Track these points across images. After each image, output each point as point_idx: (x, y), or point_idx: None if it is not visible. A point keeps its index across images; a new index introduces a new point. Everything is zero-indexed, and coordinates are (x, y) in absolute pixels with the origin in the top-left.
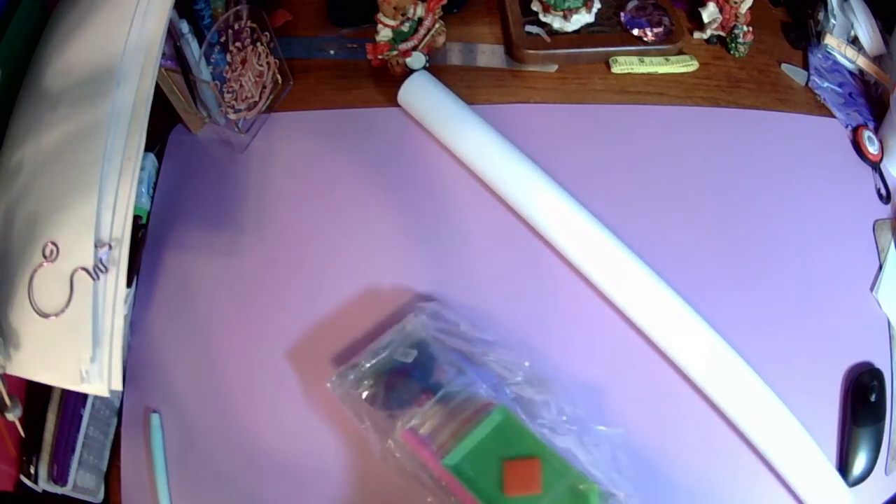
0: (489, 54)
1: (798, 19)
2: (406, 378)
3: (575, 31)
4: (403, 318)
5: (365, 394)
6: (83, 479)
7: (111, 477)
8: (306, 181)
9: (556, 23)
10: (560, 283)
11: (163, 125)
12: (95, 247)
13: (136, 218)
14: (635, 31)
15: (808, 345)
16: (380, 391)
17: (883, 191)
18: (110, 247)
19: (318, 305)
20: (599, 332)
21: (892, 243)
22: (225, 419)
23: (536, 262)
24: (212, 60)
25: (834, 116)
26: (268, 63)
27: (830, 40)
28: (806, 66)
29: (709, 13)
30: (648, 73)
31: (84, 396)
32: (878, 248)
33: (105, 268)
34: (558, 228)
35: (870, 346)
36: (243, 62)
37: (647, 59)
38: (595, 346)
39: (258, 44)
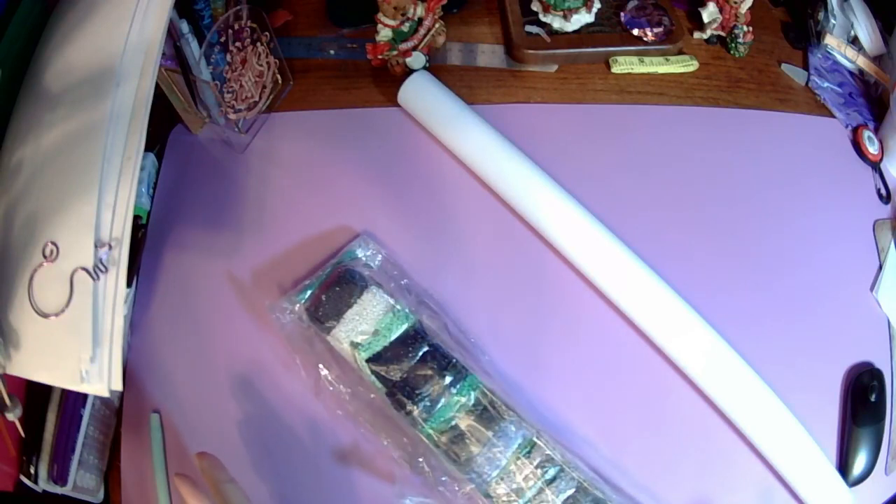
0: (489, 54)
1: (798, 19)
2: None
3: (575, 31)
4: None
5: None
6: (83, 479)
7: (111, 477)
8: (306, 181)
9: (556, 23)
10: (559, 282)
11: (163, 125)
12: (95, 247)
13: (136, 218)
14: (635, 31)
15: (808, 345)
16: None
17: (883, 191)
18: (110, 247)
19: None
20: (599, 330)
21: (892, 243)
22: (225, 419)
23: (536, 260)
24: (212, 60)
25: (834, 116)
26: (268, 63)
27: (830, 40)
28: (806, 66)
29: (709, 13)
30: (648, 73)
31: (84, 396)
32: (878, 248)
33: (105, 268)
34: (557, 227)
35: (870, 346)
36: (243, 62)
37: (647, 59)
38: (594, 344)
39: (258, 44)
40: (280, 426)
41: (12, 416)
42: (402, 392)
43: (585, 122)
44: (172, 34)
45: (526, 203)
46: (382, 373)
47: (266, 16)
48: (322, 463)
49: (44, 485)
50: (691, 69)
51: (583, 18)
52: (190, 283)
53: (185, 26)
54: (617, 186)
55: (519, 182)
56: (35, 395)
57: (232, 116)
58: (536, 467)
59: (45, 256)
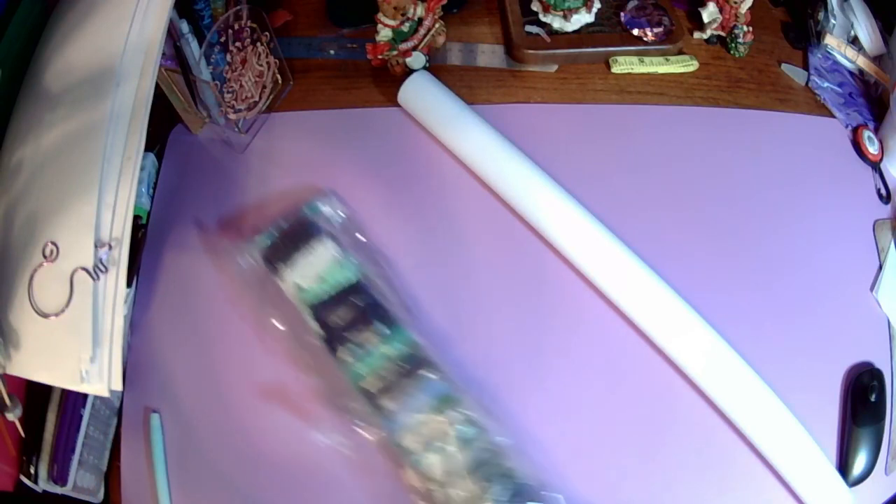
0: (489, 54)
1: (798, 19)
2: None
3: (575, 31)
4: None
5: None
6: (83, 479)
7: (111, 477)
8: (306, 181)
9: (556, 23)
10: (559, 281)
11: (163, 125)
12: (95, 247)
13: (136, 218)
14: (635, 31)
15: (808, 345)
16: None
17: (883, 191)
18: (110, 247)
19: None
20: (598, 330)
21: (892, 243)
22: (225, 419)
23: (536, 259)
24: (212, 60)
25: (834, 116)
26: (268, 63)
27: (830, 40)
28: (806, 66)
29: (709, 13)
30: (648, 73)
31: (84, 396)
32: (878, 248)
33: (105, 268)
34: (557, 227)
35: (870, 346)
36: (243, 62)
37: (647, 59)
38: (594, 344)
39: (258, 44)
40: (279, 425)
41: (12, 416)
42: (337, 338)
43: (585, 122)
44: (172, 34)
45: (525, 203)
46: (321, 318)
47: (266, 16)
48: (320, 464)
49: (44, 485)
50: (691, 69)
51: (583, 18)
52: (190, 283)
53: (185, 26)
54: (617, 186)
55: (518, 182)
56: (35, 395)
57: (232, 116)
58: (451, 425)
59: (45, 256)
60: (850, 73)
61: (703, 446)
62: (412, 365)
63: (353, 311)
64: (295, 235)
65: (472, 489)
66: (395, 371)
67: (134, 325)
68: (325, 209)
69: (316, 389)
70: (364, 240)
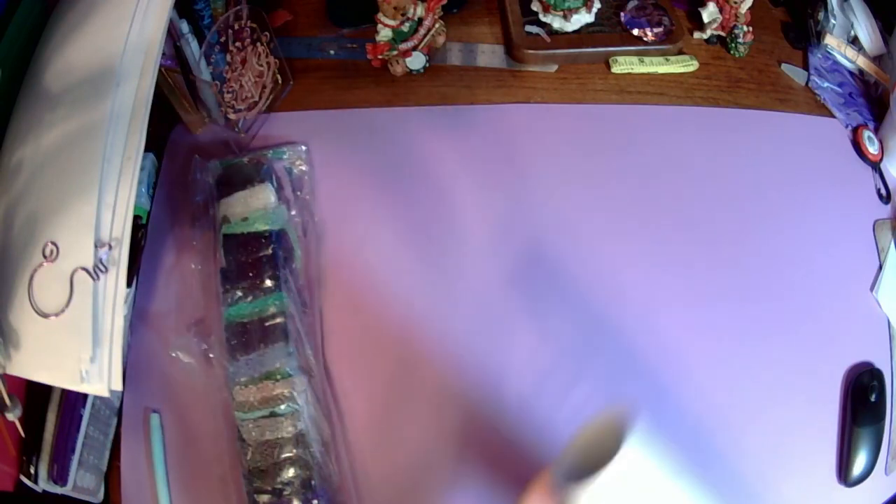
0: (489, 54)
1: (798, 19)
2: None
3: (575, 31)
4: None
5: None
6: (83, 479)
7: (111, 477)
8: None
9: (556, 23)
10: (560, 288)
11: (163, 125)
12: (95, 247)
13: (135, 218)
14: (635, 31)
15: (808, 344)
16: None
17: (883, 191)
18: (110, 247)
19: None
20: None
21: (892, 243)
22: (224, 419)
23: (533, 259)
24: (212, 60)
25: (834, 116)
26: (268, 63)
27: (830, 40)
28: (806, 66)
29: (709, 13)
30: (648, 73)
31: (84, 396)
32: (878, 248)
33: (105, 268)
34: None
35: (870, 346)
36: (243, 62)
37: (647, 59)
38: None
39: (258, 44)
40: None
41: (12, 416)
42: (231, 273)
43: (585, 122)
44: (172, 34)
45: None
46: (231, 250)
47: (266, 16)
48: None
49: (44, 485)
50: (691, 69)
51: (583, 18)
52: (190, 282)
53: (185, 26)
54: (616, 186)
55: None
56: (35, 395)
57: (232, 116)
58: (277, 396)
59: (45, 256)
60: (850, 73)
61: None
62: (274, 329)
63: (254, 255)
64: (247, 171)
65: (269, 462)
66: (257, 327)
67: (134, 325)
68: (287, 157)
69: (195, 313)
70: (307, 198)
